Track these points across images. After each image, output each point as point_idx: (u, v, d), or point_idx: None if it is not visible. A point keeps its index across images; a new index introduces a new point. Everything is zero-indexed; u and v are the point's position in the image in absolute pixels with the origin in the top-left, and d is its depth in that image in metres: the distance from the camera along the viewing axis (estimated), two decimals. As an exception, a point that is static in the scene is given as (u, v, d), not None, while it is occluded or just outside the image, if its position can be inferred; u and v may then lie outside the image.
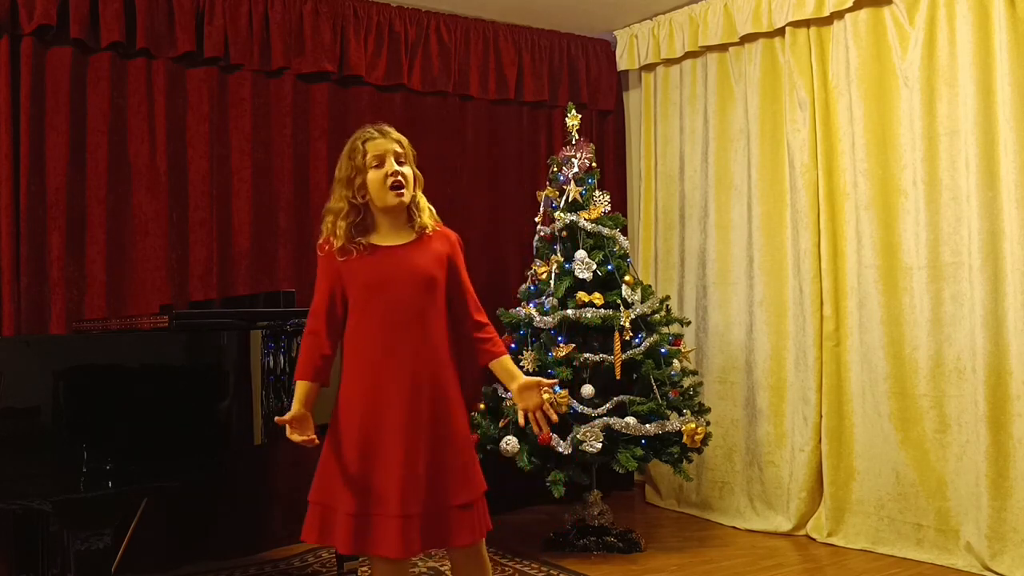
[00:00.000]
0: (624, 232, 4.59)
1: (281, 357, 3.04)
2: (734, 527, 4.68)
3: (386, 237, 2.51)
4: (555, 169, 4.47)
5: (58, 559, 3.35)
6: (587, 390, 4.05)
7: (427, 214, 2.56)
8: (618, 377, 4.10)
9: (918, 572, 3.88)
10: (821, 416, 4.39)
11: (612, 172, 5.64)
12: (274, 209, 4.50)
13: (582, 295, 4.18)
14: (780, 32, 4.63)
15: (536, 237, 4.49)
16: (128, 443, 2.59)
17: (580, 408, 4.02)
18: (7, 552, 3.58)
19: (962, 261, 3.90)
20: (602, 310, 4.17)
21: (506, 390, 4.09)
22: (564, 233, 4.36)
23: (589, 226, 4.29)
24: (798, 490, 4.46)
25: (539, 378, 2.65)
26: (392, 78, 4.81)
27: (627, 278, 4.27)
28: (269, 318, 3.17)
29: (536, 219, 4.53)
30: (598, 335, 4.20)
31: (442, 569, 3.94)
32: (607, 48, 5.64)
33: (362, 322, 2.46)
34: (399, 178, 2.46)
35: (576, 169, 4.41)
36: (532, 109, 5.38)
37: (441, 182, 4.92)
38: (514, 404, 2.65)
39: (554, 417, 2.63)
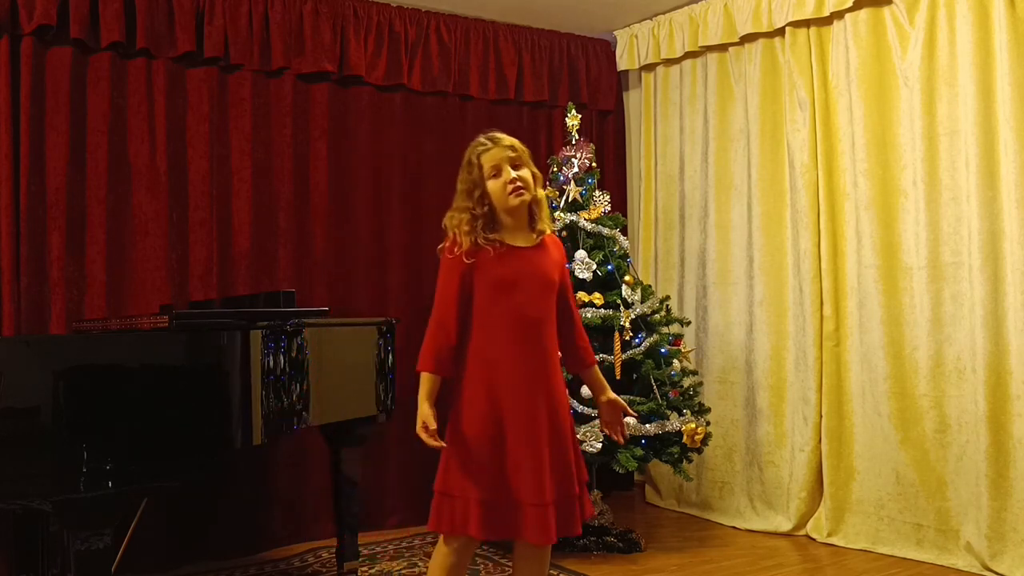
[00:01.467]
0: (624, 232, 4.60)
1: (281, 357, 3.03)
2: (734, 527, 4.68)
3: (514, 238, 2.62)
4: (555, 169, 4.47)
5: (58, 559, 3.35)
6: (587, 390, 4.05)
7: (547, 216, 2.68)
8: (618, 377, 4.10)
9: (918, 572, 3.88)
10: (821, 416, 4.39)
11: (612, 172, 5.64)
12: (274, 209, 4.50)
13: (582, 295, 4.18)
14: (780, 32, 4.63)
15: (536, 237, 4.48)
16: (128, 443, 2.59)
17: (580, 408, 4.02)
18: (7, 552, 3.58)
19: (962, 261, 3.90)
20: (602, 310, 4.17)
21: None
22: (564, 233, 4.36)
23: (589, 226, 4.29)
24: (798, 490, 4.46)
25: (625, 403, 2.84)
26: (392, 78, 4.81)
27: (627, 278, 4.27)
28: (269, 318, 3.16)
29: (536, 219, 4.52)
30: (598, 335, 4.20)
31: (442, 569, 3.94)
32: (607, 48, 5.63)
33: (491, 318, 2.57)
34: (519, 184, 2.56)
35: (576, 169, 4.41)
36: (532, 109, 5.38)
37: (441, 182, 4.92)
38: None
39: (626, 433, 2.90)
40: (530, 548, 2.63)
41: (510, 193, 2.55)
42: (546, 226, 2.67)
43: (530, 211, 2.64)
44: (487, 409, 2.53)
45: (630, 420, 4.03)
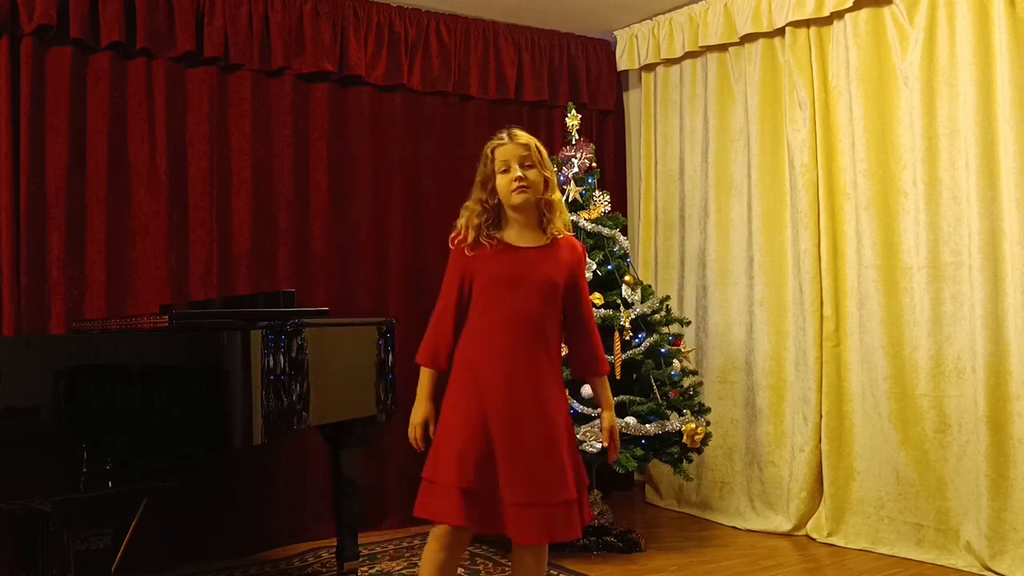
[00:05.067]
0: (624, 232, 4.59)
1: (281, 357, 3.04)
2: (734, 527, 4.68)
3: (519, 237, 2.66)
4: (555, 169, 4.46)
5: (58, 559, 3.35)
6: (587, 390, 4.04)
7: (559, 219, 2.69)
8: (618, 377, 4.10)
9: (918, 572, 3.88)
10: (821, 416, 4.39)
11: (612, 172, 5.64)
12: (274, 209, 4.50)
13: (582, 295, 4.18)
14: (780, 32, 4.63)
15: (536, 237, 4.48)
16: (128, 443, 2.59)
17: (580, 408, 4.02)
18: (7, 552, 3.58)
19: (962, 261, 3.90)
20: (602, 310, 4.17)
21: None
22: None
23: (589, 226, 4.29)
24: (798, 490, 4.46)
25: (615, 431, 2.80)
26: (392, 78, 4.81)
27: (627, 278, 4.27)
28: (269, 318, 3.16)
29: (536, 219, 4.52)
30: (598, 335, 4.19)
31: (442, 569, 3.94)
32: (607, 48, 5.63)
33: (483, 316, 2.60)
34: (523, 183, 2.59)
35: (576, 169, 4.41)
36: (532, 109, 5.37)
37: (441, 182, 4.93)
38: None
39: (616, 456, 2.87)
40: (523, 549, 2.64)
41: (513, 190, 2.59)
42: (558, 228, 2.68)
43: (540, 212, 2.67)
44: (472, 404, 2.56)
45: (630, 420, 4.04)
